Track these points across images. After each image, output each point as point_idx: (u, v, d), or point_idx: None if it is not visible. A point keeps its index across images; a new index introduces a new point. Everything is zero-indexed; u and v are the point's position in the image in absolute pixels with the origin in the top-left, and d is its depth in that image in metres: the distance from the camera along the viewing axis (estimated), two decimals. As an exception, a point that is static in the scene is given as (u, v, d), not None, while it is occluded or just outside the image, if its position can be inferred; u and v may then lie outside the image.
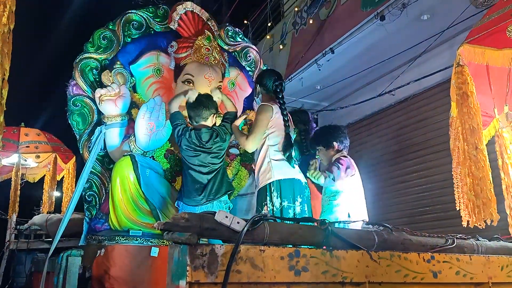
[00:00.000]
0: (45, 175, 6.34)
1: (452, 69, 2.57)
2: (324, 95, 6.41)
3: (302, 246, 1.47)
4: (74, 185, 5.95)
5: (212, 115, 3.21)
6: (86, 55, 3.61)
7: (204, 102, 3.17)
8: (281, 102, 3.07)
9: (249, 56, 4.36)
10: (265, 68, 4.38)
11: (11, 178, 5.94)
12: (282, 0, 7.23)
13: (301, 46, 5.94)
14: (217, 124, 3.30)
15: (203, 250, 1.21)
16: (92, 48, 3.63)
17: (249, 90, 4.25)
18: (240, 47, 4.31)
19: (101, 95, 3.40)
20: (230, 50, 4.24)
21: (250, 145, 2.98)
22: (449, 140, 2.78)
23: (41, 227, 4.94)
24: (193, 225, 1.25)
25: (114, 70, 3.56)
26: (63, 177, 6.27)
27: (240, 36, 4.34)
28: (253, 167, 4.08)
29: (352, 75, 5.55)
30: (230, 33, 4.26)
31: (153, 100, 3.44)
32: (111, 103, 3.42)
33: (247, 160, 4.00)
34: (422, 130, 5.15)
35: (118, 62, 3.63)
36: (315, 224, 1.56)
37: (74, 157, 6.22)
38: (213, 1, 8.90)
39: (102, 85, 3.51)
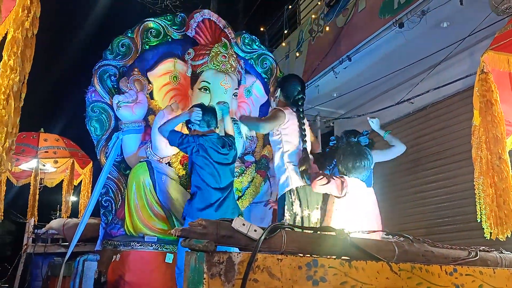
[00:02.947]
0: (63, 180, 6.43)
1: (474, 76, 2.51)
2: (340, 102, 6.35)
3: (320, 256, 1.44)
4: (91, 190, 6.01)
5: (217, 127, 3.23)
6: (105, 62, 3.68)
7: (214, 110, 3.19)
8: (301, 116, 3.01)
9: (266, 63, 4.37)
10: (282, 74, 4.38)
11: (29, 182, 6.05)
12: (299, 8, 7.24)
13: (317, 54, 5.90)
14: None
15: (220, 258, 1.19)
16: (110, 55, 3.70)
17: (265, 98, 4.24)
18: (256, 55, 4.33)
19: (118, 101, 3.45)
20: (247, 58, 4.26)
21: (265, 126, 2.90)
22: (469, 149, 2.71)
23: (58, 232, 5.00)
24: (210, 232, 1.23)
25: (132, 77, 3.62)
26: (80, 182, 6.35)
27: (257, 43, 4.36)
28: (269, 175, 4.07)
29: (370, 82, 5.47)
30: (246, 41, 4.28)
31: (170, 106, 3.47)
32: (129, 110, 3.46)
33: (263, 167, 3.99)
34: (441, 139, 5.04)
35: (136, 69, 3.68)
36: (334, 233, 1.52)
37: (91, 163, 6.30)
38: (230, 8, 8.98)
39: (120, 92, 3.57)
